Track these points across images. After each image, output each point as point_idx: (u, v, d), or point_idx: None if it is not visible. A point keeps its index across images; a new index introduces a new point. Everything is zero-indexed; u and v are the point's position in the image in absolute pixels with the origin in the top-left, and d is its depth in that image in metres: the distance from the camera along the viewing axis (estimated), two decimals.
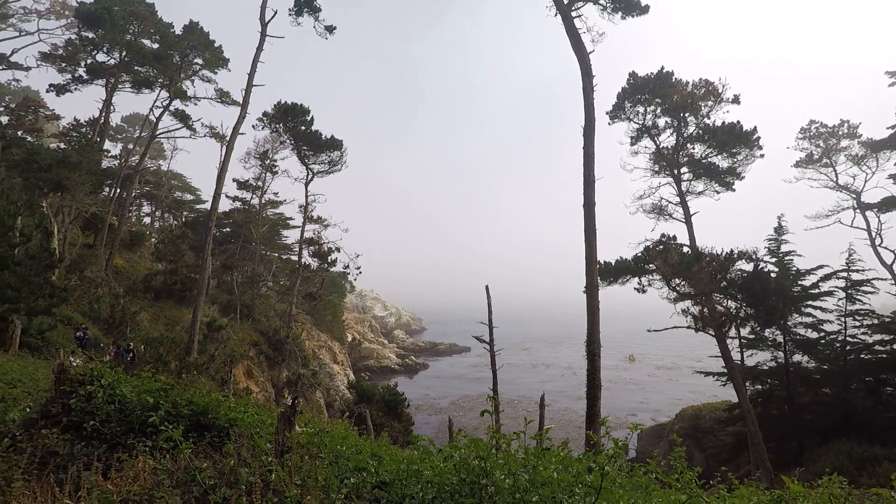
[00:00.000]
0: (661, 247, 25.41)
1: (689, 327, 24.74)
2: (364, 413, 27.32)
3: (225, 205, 47.66)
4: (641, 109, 26.95)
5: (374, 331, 77.18)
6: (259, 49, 25.81)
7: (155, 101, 34.98)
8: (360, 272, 33.75)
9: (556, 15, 20.84)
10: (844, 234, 34.17)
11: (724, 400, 31.77)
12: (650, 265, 25.29)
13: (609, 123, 27.82)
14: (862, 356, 24.84)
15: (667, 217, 27.39)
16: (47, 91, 32.88)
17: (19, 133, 27.16)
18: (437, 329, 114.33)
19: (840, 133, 33.57)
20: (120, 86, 34.14)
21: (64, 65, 32.57)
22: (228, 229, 50.25)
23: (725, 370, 25.18)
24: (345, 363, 48.51)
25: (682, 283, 24.99)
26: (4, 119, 30.41)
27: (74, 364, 6.64)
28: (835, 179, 34.64)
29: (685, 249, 25.65)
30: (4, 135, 23.76)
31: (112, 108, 34.81)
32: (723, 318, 24.34)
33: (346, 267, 33.93)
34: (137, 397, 5.26)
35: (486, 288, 24.71)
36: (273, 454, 4.18)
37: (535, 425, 4.62)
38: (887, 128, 31.44)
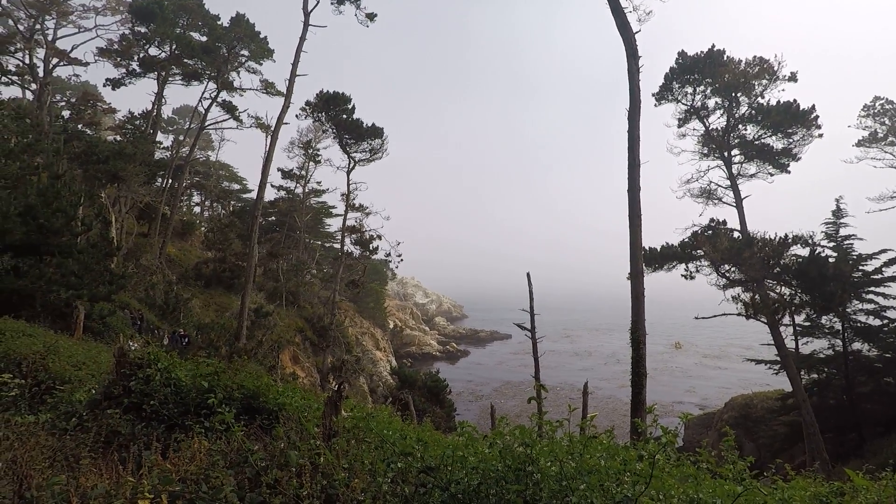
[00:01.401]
0: (710, 232, 24.51)
1: (739, 314, 23.88)
2: (407, 399, 27.77)
3: (270, 194, 48.96)
4: (690, 90, 25.89)
5: (415, 318, 78.05)
6: (302, 39, 26.15)
7: (203, 93, 36.14)
8: (402, 259, 34.13)
9: None
10: None
11: (776, 389, 30.57)
12: (698, 251, 24.48)
13: (655, 105, 26.93)
14: None
15: (716, 201, 26.37)
16: (104, 85, 34.54)
17: (79, 126, 28.66)
18: (477, 316, 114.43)
19: None
20: (170, 78, 35.44)
21: (119, 59, 34.04)
22: (273, 218, 51.63)
23: (778, 358, 24.26)
24: (387, 350, 49.34)
25: (733, 269, 24.10)
26: (66, 113, 32.13)
27: (133, 348, 7.00)
28: None
29: (735, 234, 24.66)
30: (66, 128, 25.14)
31: (163, 100, 36.23)
32: (776, 305, 23.33)
33: (388, 255, 34.39)
34: (192, 381, 5.49)
35: (528, 275, 24.46)
36: (321, 438, 4.28)
37: (578, 412, 4.56)
38: None
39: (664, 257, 25.42)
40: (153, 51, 34.20)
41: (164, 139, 52.61)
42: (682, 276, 25.60)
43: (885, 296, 24.37)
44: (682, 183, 27.34)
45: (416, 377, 32.50)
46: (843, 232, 25.32)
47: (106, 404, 4.99)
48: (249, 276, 24.76)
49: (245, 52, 35.60)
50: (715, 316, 24.27)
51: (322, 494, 3.31)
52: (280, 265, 40.15)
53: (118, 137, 33.91)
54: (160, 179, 35.97)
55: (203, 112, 36.69)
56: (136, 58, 34.12)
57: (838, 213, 25.41)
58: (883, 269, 24.42)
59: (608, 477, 3.58)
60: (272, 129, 26.58)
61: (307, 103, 32.24)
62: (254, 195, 36.86)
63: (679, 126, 26.91)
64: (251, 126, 37.89)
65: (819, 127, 24.29)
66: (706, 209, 26.87)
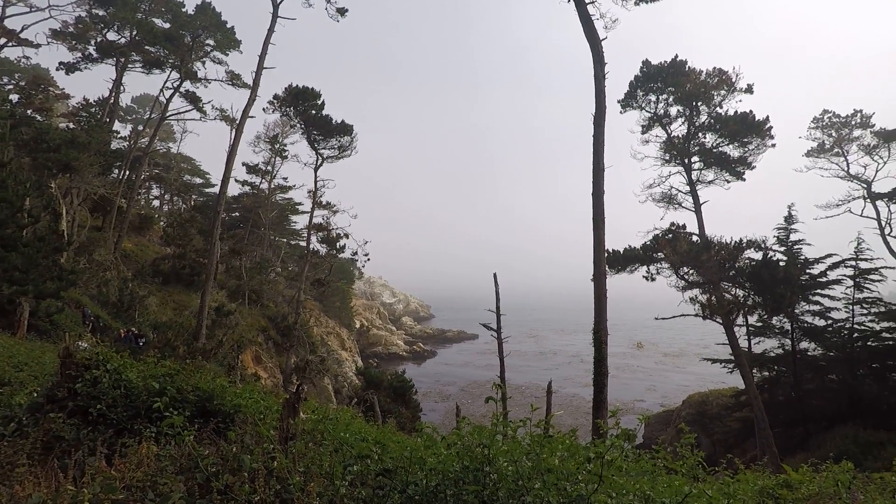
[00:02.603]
0: (671, 235, 25.27)
1: (696, 315, 24.68)
2: (372, 399, 27.57)
3: (234, 189, 47.84)
4: (654, 98, 26.61)
5: (382, 317, 77.58)
6: (270, 31, 25.58)
7: (165, 82, 34.84)
8: (369, 259, 33.82)
9: (569, 1, 20.44)
10: (854, 224, 33.78)
11: (730, 386, 31.79)
12: (659, 253, 25.19)
13: (621, 112, 27.53)
14: (869, 343, 24.76)
15: (676, 206, 27.20)
16: (57, 69, 32.86)
17: (29, 112, 27.21)
18: (445, 316, 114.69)
19: (853, 123, 33.04)
20: (130, 66, 34.01)
21: (74, 42, 32.47)
22: (237, 214, 50.45)
23: (733, 357, 25.23)
24: (353, 350, 48.87)
25: (691, 271, 24.89)
26: (14, 97, 30.44)
27: (82, 348, 6.70)
28: (846, 169, 34.19)
29: (694, 238, 25.49)
30: (14, 113, 23.77)
31: (122, 88, 34.75)
32: (731, 307, 24.22)
33: (355, 253, 34.02)
34: (143, 382, 5.29)
35: (494, 276, 24.67)
36: (277, 441, 4.19)
37: (542, 412, 4.62)
38: None
39: (627, 259, 26.05)
40: (112, 35, 32.79)
41: (122, 128, 50.57)
42: (644, 277, 26.30)
43: (829, 298, 25.69)
44: (644, 187, 28.08)
45: (381, 377, 32.27)
46: (793, 237, 26.51)
47: (49, 408, 4.76)
48: (210, 274, 24.08)
49: (210, 42, 34.56)
50: (674, 317, 25.02)
51: (276, 499, 3.24)
52: (243, 262, 39.24)
53: (71, 125, 32.35)
54: (116, 171, 34.56)
55: (164, 102, 35.44)
56: (93, 42, 32.63)
57: (789, 219, 26.59)
58: (827, 272, 25.73)
59: (564, 476, 3.63)
60: (237, 121, 25.92)
61: (275, 97, 31.57)
62: (216, 190, 35.86)
63: (643, 132, 27.62)
64: (215, 118, 36.84)
65: (772, 137, 25.35)
66: (667, 213, 27.79)
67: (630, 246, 25.96)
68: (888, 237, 32.77)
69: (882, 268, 25.54)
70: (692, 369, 58.15)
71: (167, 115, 36.36)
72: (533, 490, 3.40)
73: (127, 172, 35.71)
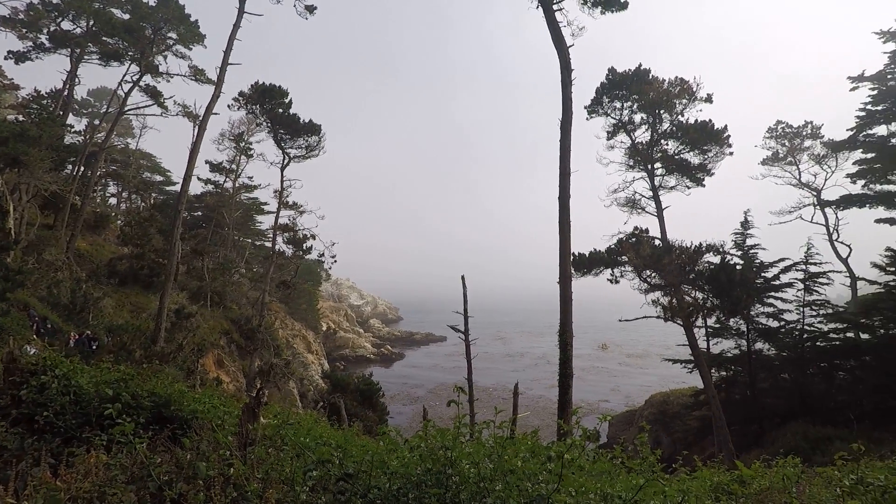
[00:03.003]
0: (634, 239, 25.88)
1: (658, 317, 25.36)
2: (338, 403, 27.26)
3: (196, 187, 46.53)
4: (619, 105, 27.25)
5: (349, 320, 76.76)
6: (236, 26, 25.00)
7: (124, 76, 33.46)
8: (336, 260, 33.42)
9: (537, 7, 20.74)
10: (805, 229, 35.49)
11: (690, 386, 32.70)
12: (623, 257, 25.78)
13: (587, 118, 28.07)
14: (818, 343, 25.92)
15: (640, 211, 27.93)
16: (5, 58, 31.12)
17: None
18: (413, 319, 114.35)
19: (804, 133, 34.75)
20: (86, 57, 32.57)
21: (25, 31, 30.91)
22: (200, 213, 49.06)
23: (692, 358, 25.98)
24: (319, 352, 48.16)
25: (653, 274, 25.56)
26: None
27: (31, 353, 6.39)
28: (798, 177, 35.96)
29: (657, 242, 26.19)
30: None
31: (77, 80, 33.25)
32: (691, 309, 25.00)
33: (322, 255, 33.53)
34: (95, 388, 5.09)
35: (462, 278, 24.75)
36: (236, 447, 4.09)
37: (506, 414, 4.65)
38: (847, 129, 32.62)
39: (592, 262, 26.55)
40: (66, 25, 31.32)
41: (77, 122, 48.43)
42: (608, 280, 26.86)
43: (782, 300, 26.82)
44: (609, 192, 28.75)
45: (348, 380, 31.94)
46: (749, 242, 27.55)
47: None
48: (170, 275, 23.34)
49: (173, 35, 33.48)
50: (637, 318, 25.63)
51: None
52: (205, 263, 38.16)
53: (21, 117, 30.84)
54: (70, 166, 33.12)
55: (123, 96, 34.12)
56: (45, 31, 31.15)
57: (746, 224, 27.61)
58: (780, 276, 26.85)
59: (526, 477, 3.67)
60: (200, 118, 25.20)
61: (240, 94, 30.86)
62: (178, 188, 34.79)
63: (608, 138, 28.28)
64: (177, 114, 35.72)
65: (730, 145, 26.32)
66: (631, 218, 28.42)
67: (595, 249, 26.49)
68: (835, 242, 34.61)
69: (829, 272, 26.80)
70: (654, 370, 59.67)
71: (126, 109, 35.06)
72: (494, 492, 3.42)
73: (82, 168, 34.26)
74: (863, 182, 32.09)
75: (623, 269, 26.21)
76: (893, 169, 30.38)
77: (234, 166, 44.05)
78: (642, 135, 27.63)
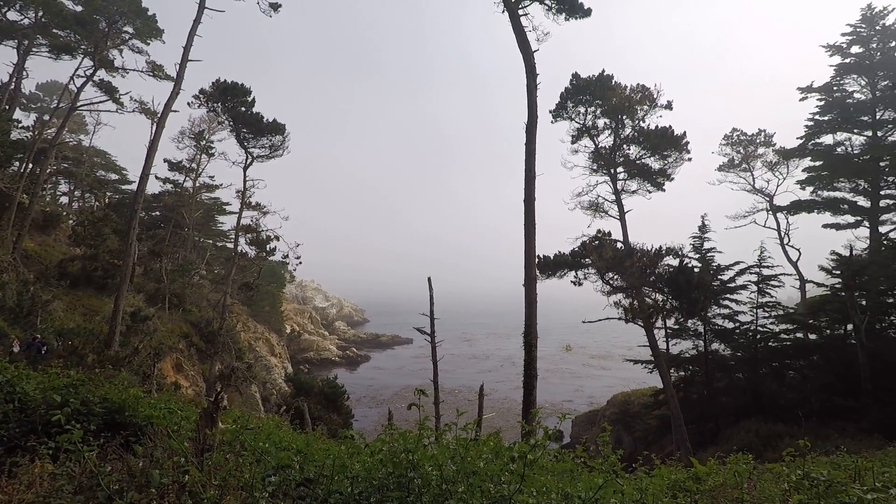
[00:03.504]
0: (597, 242, 26.40)
1: (620, 319, 25.93)
2: (302, 407, 26.78)
3: (155, 186, 45.00)
4: (583, 110, 27.77)
5: (314, 322, 75.57)
6: (196, 22, 24.29)
7: (76, 70, 31.94)
8: (300, 262, 32.84)
9: (503, 11, 21.01)
10: (758, 233, 37.13)
11: (651, 386, 33.50)
12: (586, 259, 26.27)
13: (552, 122, 28.48)
14: (770, 344, 27.04)
15: (603, 214, 28.51)
16: None
17: None
18: (379, 321, 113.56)
19: (758, 141, 36.30)
20: (35, 49, 30.99)
21: None
22: (158, 213, 47.41)
23: (652, 358, 26.67)
24: (283, 355, 47.23)
25: (616, 276, 26.13)
26: None
27: None
28: (752, 183, 37.51)
29: (619, 245, 26.80)
30: None
31: (25, 73, 31.67)
32: (651, 310, 25.67)
33: (286, 256, 32.90)
34: (42, 395, 4.86)
35: (429, 280, 24.74)
36: (192, 453, 3.98)
37: (471, 415, 4.68)
38: (797, 138, 34.25)
39: (556, 265, 26.96)
40: (13, 15, 29.65)
41: (25, 118, 46.08)
42: (573, 282, 27.30)
43: (737, 302, 27.87)
44: (574, 195, 29.23)
45: (312, 384, 31.43)
46: (706, 245, 28.51)
47: None
48: (126, 276, 22.45)
49: (129, 29, 32.19)
50: (600, 320, 26.14)
51: None
52: (164, 265, 36.91)
53: None
54: (17, 163, 31.49)
55: (75, 90, 32.63)
56: None
57: (703, 228, 28.58)
58: (735, 278, 27.91)
59: (488, 478, 3.69)
60: (159, 115, 24.40)
61: (201, 91, 30.01)
62: (134, 187, 33.50)
63: (572, 142, 28.76)
64: (134, 111, 34.33)
65: (689, 151, 27.22)
66: (594, 221, 29.02)
67: (560, 252, 26.91)
68: (786, 246, 36.26)
69: (781, 274, 28.05)
70: (617, 370, 60.98)
71: (78, 105, 33.50)
72: (457, 493, 3.44)
73: (30, 165, 32.60)
74: (811, 189, 33.72)
75: (586, 271, 26.72)
76: (839, 176, 32.02)
77: (194, 165, 42.83)
78: (605, 139, 28.29)
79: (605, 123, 27.88)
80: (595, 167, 28.57)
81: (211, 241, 52.09)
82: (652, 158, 27.68)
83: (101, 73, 32.40)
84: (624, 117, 27.14)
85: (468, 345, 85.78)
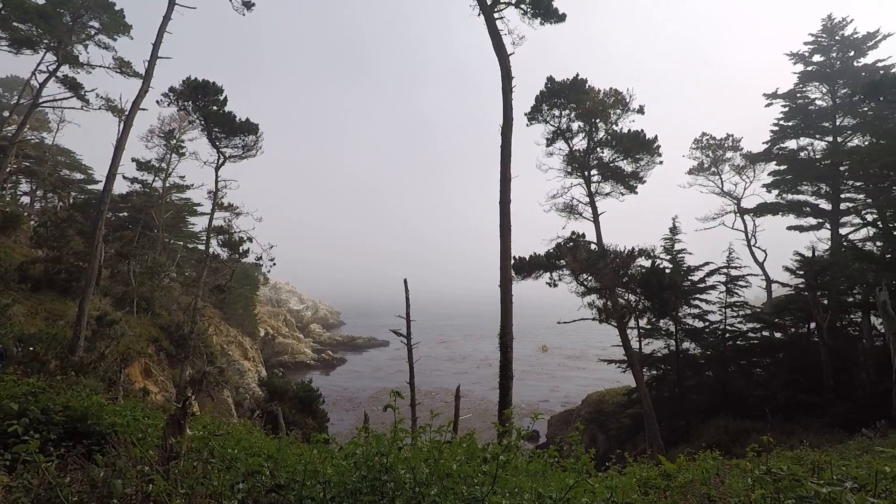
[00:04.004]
0: (571, 244, 26.74)
1: (594, 319, 26.28)
2: (276, 411, 26.38)
3: (122, 186, 43.75)
4: (557, 113, 28.09)
5: (288, 325, 74.54)
6: (166, 18, 23.70)
7: (38, 65, 30.85)
8: (274, 264, 32.33)
9: (479, 15, 21.13)
10: (727, 235, 38.21)
11: (624, 385, 33.98)
12: (561, 261, 26.55)
13: (527, 125, 28.72)
14: (738, 342, 27.76)
15: (577, 216, 28.92)
16: None
17: None
18: (356, 323, 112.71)
19: (726, 145, 37.39)
20: None
21: None
22: (126, 214, 46.10)
23: (626, 358, 27.10)
24: (256, 359, 46.43)
25: (590, 278, 26.48)
26: None
27: None
28: (720, 186, 38.57)
29: (593, 247, 27.19)
30: None
31: None
32: (624, 311, 26.11)
33: (259, 258, 32.35)
34: None
35: (405, 281, 24.64)
36: (158, 461, 3.87)
37: (444, 417, 4.68)
38: (763, 143, 35.36)
39: (532, 266, 27.18)
40: None
41: None
42: (548, 283, 27.58)
43: (706, 302, 28.56)
44: (549, 197, 29.56)
45: (287, 387, 30.98)
46: (677, 247, 29.15)
47: None
48: (91, 279, 21.75)
49: (95, 24, 31.22)
50: (574, 321, 26.44)
51: None
52: (132, 267, 35.90)
53: None
54: None
55: (38, 86, 31.51)
56: None
57: (674, 230, 29.20)
58: (705, 279, 28.61)
59: (462, 479, 3.69)
60: (126, 113, 23.71)
61: (171, 90, 29.27)
62: (101, 187, 32.50)
63: (547, 145, 29.07)
64: (101, 108, 33.30)
65: (660, 155, 27.82)
66: (569, 223, 29.41)
67: (535, 253, 27.14)
68: (753, 248, 37.37)
69: (748, 275, 28.86)
70: (592, 370, 61.76)
71: (41, 101, 32.34)
72: (430, 496, 3.43)
73: None
74: (776, 192, 34.83)
75: (561, 272, 27.01)
76: (802, 180, 33.16)
77: (164, 165, 41.79)
78: (580, 142, 28.69)
79: (579, 126, 28.27)
80: (569, 169, 28.96)
81: (182, 243, 50.92)
82: (625, 161, 28.20)
83: (66, 69, 31.38)
84: (597, 121, 27.56)
85: (445, 346, 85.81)
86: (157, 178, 43.11)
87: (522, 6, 22.01)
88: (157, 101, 29.51)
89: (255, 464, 3.67)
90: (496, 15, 20.89)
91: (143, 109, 23.79)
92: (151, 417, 6.07)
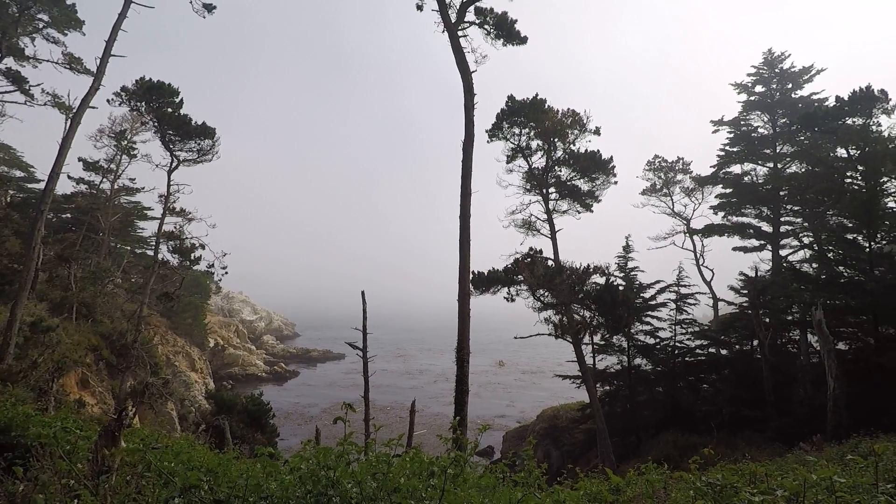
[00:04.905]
0: (529, 259, 27.15)
1: (550, 334, 26.65)
2: (222, 425, 25.37)
3: (67, 187, 41.65)
4: (517, 131, 28.67)
5: (240, 336, 72.15)
6: (122, 15, 22.95)
7: None
8: (227, 272, 31.30)
9: (443, 32, 21.42)
10: (677, 254, 39.78)
11: (579, 401, 34.43)
12: (519, 276, 26.90)
13: (488, 141, 29.14)
14: (686, 358, 28.73)
15: (535, 232, 29.47)
16: None
17: None
18: (311, 335, 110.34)
19: (676, 168, 39.08)
20: None
21: None
22: (69, 215, 43.79)
23: (580, 373, 27.56)
24: (204, 371, 44.64)
25: (546, 293, 26.91)
26: None
27: None
28: (671, 207, 40.19)
29: (550, 263, 27.69)
30: None
31: None
32: (579, 326, 26.61)
33: (211, 266, 31.25)
34: None
35: (363, 294, 24.36)
36: (87, 475, 3.64)
37: (399, 432, 4.60)
38: (710, 166, 37.19)
39: (490, 281, 27.40)
40: None
41: None
42: (505, 298, 27.83)
43: (657, 318, 29.48)
44: (508, 213, 30.04)
45: (235, 400, 29.88)
46: (630, 265, 30.05)
47: None
48: (27, 282, 20.44)
49: (44, 17, 29.79)
50: (531, 336, 26.76)
51: None
52: (73, 271, 34.00)
53: None
54: None
55: None
56: None
57: (627, 248, 30.12)
58: (657, 296, 29.58)
59: (409, 494, 3.63)
60: (74, 110, 22.69)
61: (123, 89, 28.20)
62: (42, 186, 30.77)
63: (507, 162, 29.59)
64: (46, 104, 31.64)
65: (615, 175, 28.77)
66: (527, 239, 29.92)
67: (493, 268, 27.40)
68: (701, 267, 38.98)
69: (696, 293, 30.03)
70: (547, 385, 62.43)
71: None
72: None
73: None
74: (723, 214, 36.57)
75: (519, 287, 27.34)
76: (746, 203, 34.96)
77: (113, 166, 40.01)
78: (538, 160, 29.32)
79: (538, 145, 28.92)
80: (528, 187, 29.53)
81: (129, 248, 48.65)
82: (581, 181, 28.98)
83: (10, 62, 29.75)
84: (556, 140, 28.28)
85: (402, 360, 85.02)
86: (105, 180, 41.23)
87: (486, 27, 22.48)
88: (108, 101, 28.40)
89: (194, 478, 3.49)
90: (460, 33, 21.24)
91: (93, 108, 22.90)
92: (84, 429, 5.70)
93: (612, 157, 28.14)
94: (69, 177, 40.82)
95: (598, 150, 27.90)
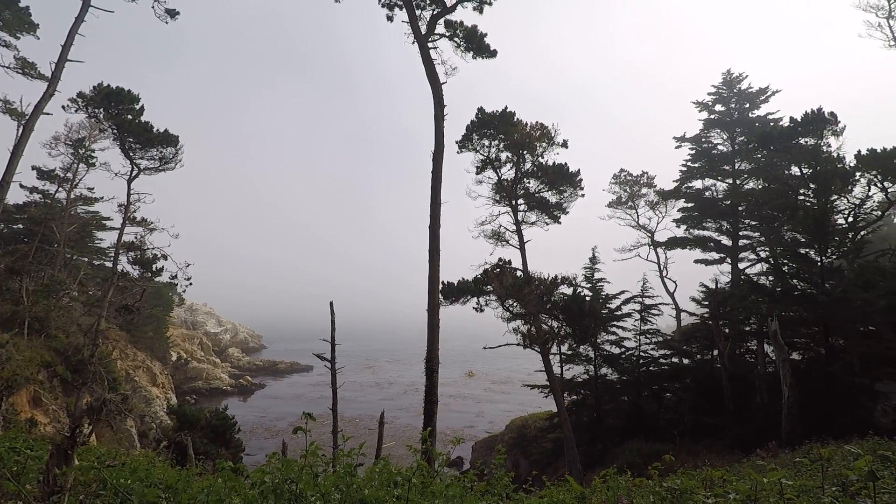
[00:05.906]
0: (498, 270, 27.38)
1: (519, 344, 26.86)
2: (185, 441, 24.55)
3: (19, 196, 40.02)
4: (487, 143, 29.05)
5: (205, 349, 70.09)
6: (79, 20, 22.44)
7: None
8: (191, 283, 30.43)
9: (413, 43, 21.65)
10: (642, 266, 40.83)
11: (547, 410, 34.73)
12: (488, 286, 27.08)
13: (458, 152, 29.42)
14: (650, 368, 29.38)
15: (504, 243, 29.76)
16: None
17: None
18: (278, 347, 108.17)
19: (641, 182, 40.23)
20: None
21: None
22: (21, 226, 41.93)
23: (548, 383, 27.84)
24: (166, 385, 43.12)
25: (515, 303, 27.16)
26: None
27: None
28: (636, 220, 41.30)
29: (519, 273, 27.99)
30: None
31: None
32: (547, 336, 26.93)
33: (174, 277, 30.35)
34: None
35: (331, 304, 24.06)
36: (38, 496, 3.51)
37: (368, 445, 4.59)
38: (673, 181, 38.43)
39: (460, 291, 27.49)
40: None
41: None
42: (475, 308, 27.92)
43: (623, 329, 30.11)
44: (477, 224, 30.26)
45: (199, 416, 28.91)
46: (596, 276, 30.66)
47: None
48: None
49: None
50: (500, 346, 26.88)
51: None
52: (25, 284, 32.47)
53: None
54: None
55: None
56: None
57: (594, 259, 30.74)
58: (622, 306, 30.23)
59: None
60: (27, 117, 21.90)
61: (80, 95, 27.27)
62: None
63: (477, 173, 29.92)
64: None
65: (582, 188, 29.41)
66: (496, 249, 30.22)
67: (463, 278, 27.53)
68: (665, 278, 40.08)
69: (660, 304, 30.81)
70: (516, 395, 62.73)
71: None
72: None
73: None
74: (685, 227, 37.76)
75: (488, 297, 27.49)
76: (707, 217, 36.20)
77: (69, 175, 38.56)
78: (508, 172, 29.73)
79: (507, 157, 29.34)
80: (498, 198, 29.87)
81: (86, 259, 46.81)
82: (549, 193, 29.51)
83: None
84: (525, 152, 28.76)
85: (371, 371, 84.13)
86: (60, 189, 39.67)
87: (455, 39, 22.82)
88: (63, 107, 27.41)
89: (152, 495, 3.41)
90: (430, 45, 21.51)
91: (48, 114, 22.21)
92: (35, 449, 5.48)
93: (579, 170, 28.80)
94: (21, 185, 39.28)
95: (566, 163, 28.54)
